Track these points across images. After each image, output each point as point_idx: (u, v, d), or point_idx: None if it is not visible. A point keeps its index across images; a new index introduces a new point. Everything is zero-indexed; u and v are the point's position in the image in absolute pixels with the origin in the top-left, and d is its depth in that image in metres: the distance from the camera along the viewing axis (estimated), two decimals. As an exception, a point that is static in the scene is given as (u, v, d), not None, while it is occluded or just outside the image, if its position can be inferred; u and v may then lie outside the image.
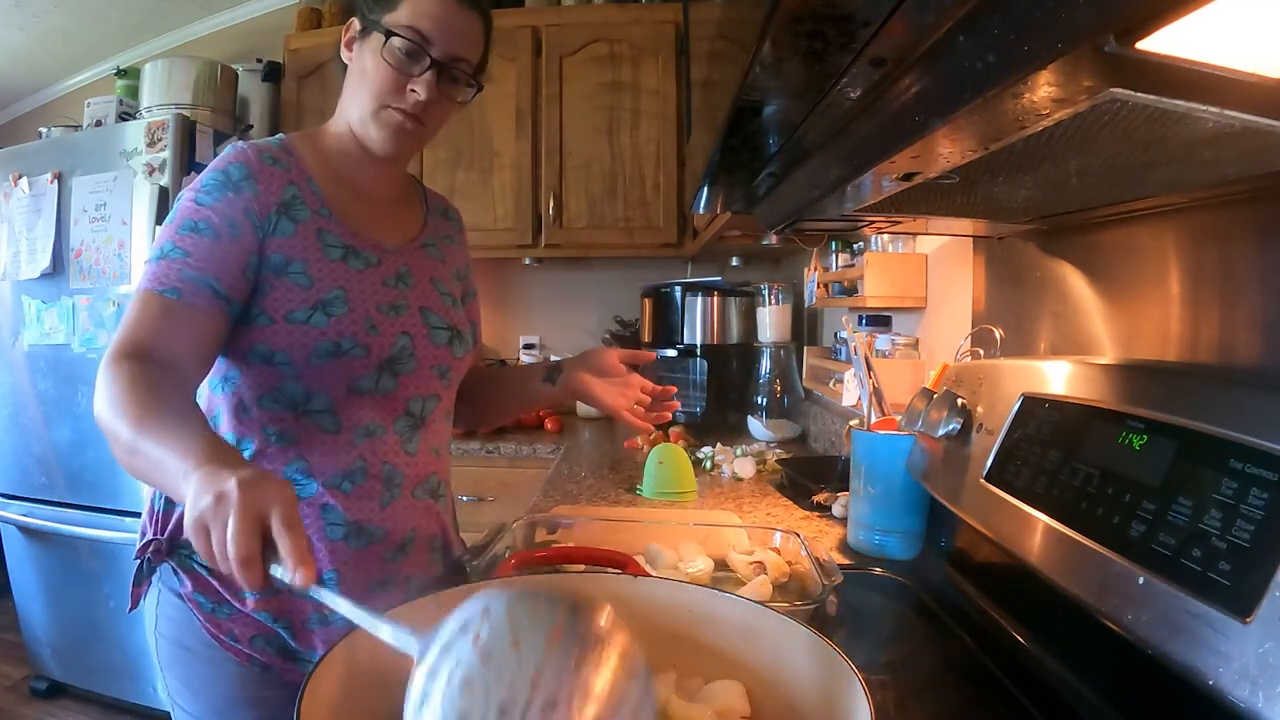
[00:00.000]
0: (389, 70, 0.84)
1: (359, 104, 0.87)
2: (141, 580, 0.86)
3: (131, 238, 2.03)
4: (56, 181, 2.14)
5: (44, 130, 2.58)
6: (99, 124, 2.39)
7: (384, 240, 0.92)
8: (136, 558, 0.85)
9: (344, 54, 0.90)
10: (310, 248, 0.84)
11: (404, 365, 0.88)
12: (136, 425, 0.66)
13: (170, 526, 0.84)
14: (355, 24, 0.88)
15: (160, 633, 0.87)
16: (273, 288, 0.82)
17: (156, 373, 0.72)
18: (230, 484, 0.53)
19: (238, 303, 0.80)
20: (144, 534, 0.87)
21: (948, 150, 0.51)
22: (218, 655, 0.83)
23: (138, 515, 2.23)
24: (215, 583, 0.83)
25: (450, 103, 0.90)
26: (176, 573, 0.84)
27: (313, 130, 0.94)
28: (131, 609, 0.86)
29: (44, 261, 2.13)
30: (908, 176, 0.60)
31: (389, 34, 0.83)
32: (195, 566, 0.84)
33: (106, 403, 0.69)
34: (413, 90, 0.85)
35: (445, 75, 0.87)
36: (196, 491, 0.54)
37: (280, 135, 0.91)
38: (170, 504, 0.85)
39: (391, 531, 0.88)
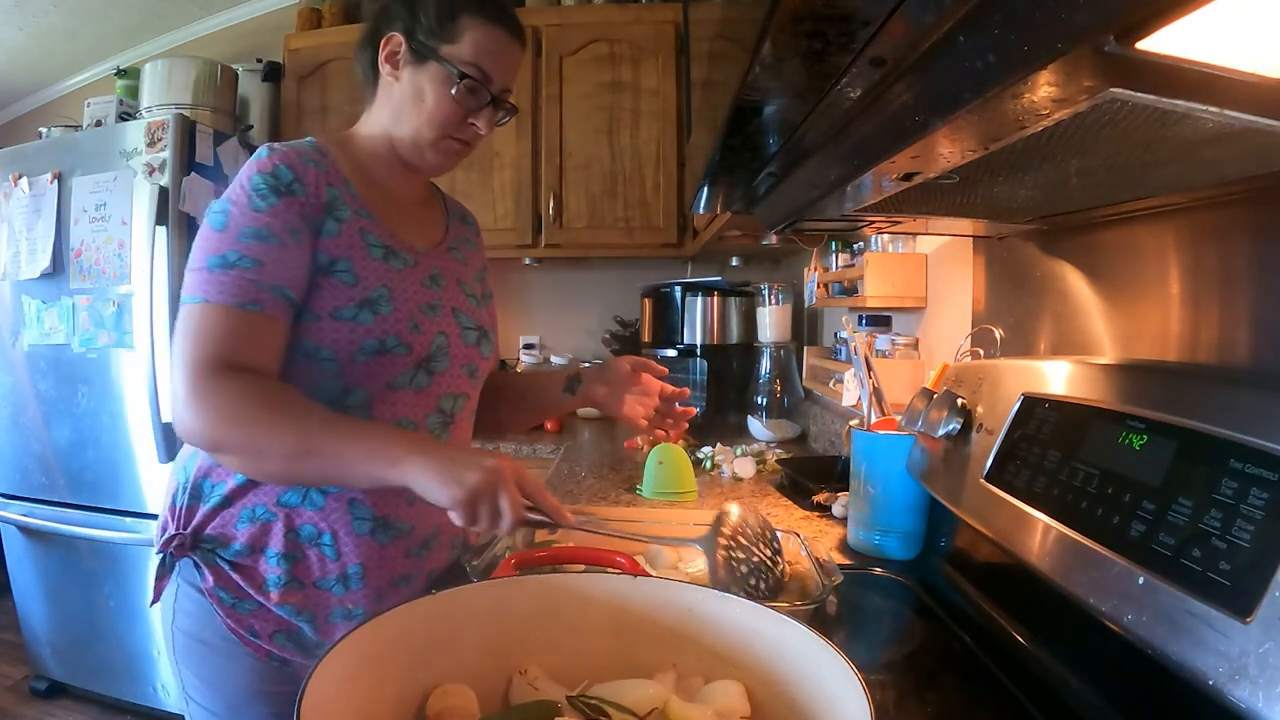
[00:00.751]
0: (454, 106, 0.87)
1: (413, 129, 0.89)
2: (163, 574, 0.87)
3: (131, 238, 2.03)
4: (56, 181, 2.14)
5: (44, 130, 2.58)
6: (99, 124, 2.39)
7: (415, 243, 0.94)
8: (159, 552, 0.86)
9: (384, 69, 0.90)
10: (354, 247, 0.85)
11: (439, 364, 0.90)
12: (299, 428, 0.74)
13: (195, 522, 0.85)
14: (401, 42, 0.88)
15: (178, 627, 0.88)
16: (319, 286, 0.83)
17: (265, 382, 0.77)
18: (492, 464, 0.69)
19: (302, 305, 0.82)
20: (164, 529, 0.87)
21: (948, 150, 0.51)
22: (236, 650, 0.84)
23: (138, 515, 2.24)
24: (237, 578, 0.83)
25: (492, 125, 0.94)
26: (199, 567, 0.84)
27: (340, 135, 0.95)
28: (153, 602, 0.89)
29: (44, 261, 2.13)
30: (908, 176, 0.60)
31: (461, 75, 0.86)
32: (219, 561, 0.84)
33: (231, 418, 0.74)
34: (473, 124, 0.90)
35: (497, 107, 0.92)
36: (451, 474, 0.69)
37: (310, 139, 0.90)
38: (195, 500, 0.86)
39: (417, 527, 0.89)
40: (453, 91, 0.87)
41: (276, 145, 0.86)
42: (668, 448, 1.47)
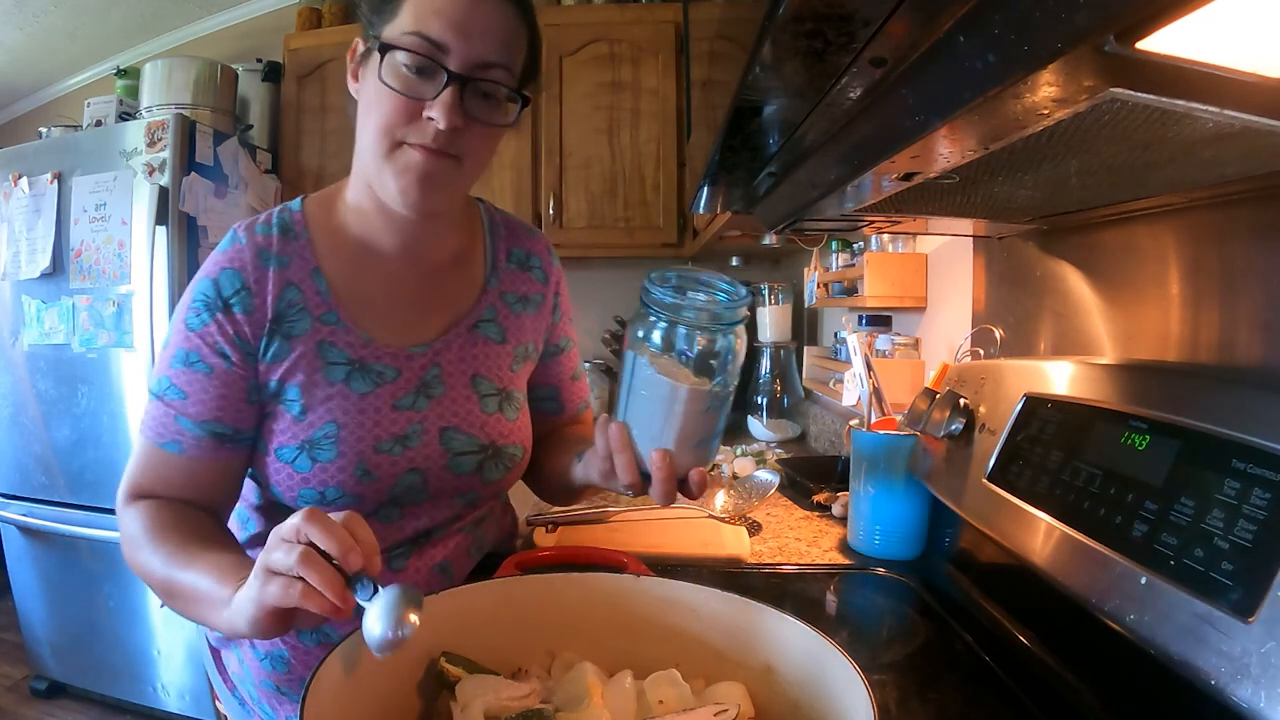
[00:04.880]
0: (395, 96, 0.66)
1: (369, 148, 0.69)
2: None
3: (131, 238, 2.03)
4: (56, 181, 2.14)
5: (44, 130, 2.58)
6: (99, 124, 2.39)
7: (412, 337, 0.77)
8: None
9: (350, 86, 0.73)
10: (308, 368, 0.72)
11: (413, 498, 0.77)
12: (165, 563, 0.63)
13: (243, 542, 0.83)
14: (358, 45, 0.72)
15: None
16: (272, 414, 0.73)
17: (171, 509, 0.70)
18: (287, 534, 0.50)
19: (248, 430, 0.73)
20: None
21: (948, 150, 0.51)
22: (260, 645, 0.81)
23: (138, 515, 2.21)
24: None
25: (488, 128, 0.70)
26: None
27: (332, 190, 0.80)
28: None
29: (44, 261, 2.13)
30: (908, 176, 0.60)
31: (386, 48, 0.65)
32: None
33: (131, 548, 0.68)
34: (429, 117, 0.66)
35: (473, 90, 0.67)
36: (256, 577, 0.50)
37: (298, 202, 0.78)
38: (236, 522, 0.83)
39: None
40: (385, 77, 0.65)
41: (241, 234, 0.73)
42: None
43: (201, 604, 0.59)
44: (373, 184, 0.72)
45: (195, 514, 0.71)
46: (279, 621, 0.50)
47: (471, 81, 0.67)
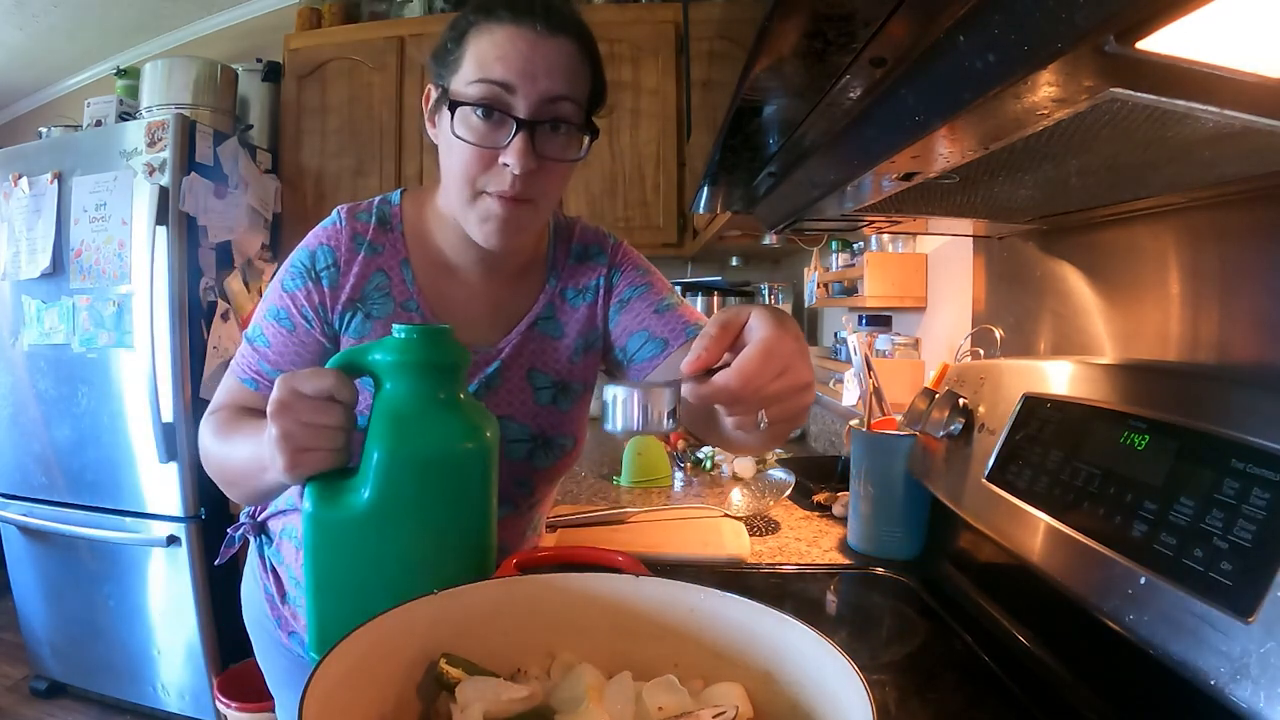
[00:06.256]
0: (470, 148, 0.70)
1: (454, 194, 0.74)
2: (231, 545, 0.94)
3: (131, 238, 2.03)
4: (56, 181, 2.14)
5: (44, 130, 2.58)
6: (99, 124, 2.39)
7: (482, 337, 0.82)
8: (230, 530, 0.94)
9: (429, 131, 0.78)
10: None
11: None
12: (221, 445, 0.73)
13: (265, 514, 0.91)
14: (430, 92, 0.77)
15: (247, 598, 0.96)
16: None
17: (234, 410, 0.79)
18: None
19: None
20: (249, 509, 0.94)
21: (948, 150, 0.51)
22: (273, 638, 0.91)
23: (138, 515, 2.24)
24: (270, 579, 0.90)
25: (559, 165, 0.73)
26: (261, 555, 0.91)
27: (426, 192, 0.85)
28: (218, 562, 0.96)
29: (44, 261, 2.13)
30: (908, 176, 0.60)
31: (454, 105, 0.69)
32: (266, 553, 0.91)
33: (204, 452, 0.76)
34: (504, 163, 0.69)
35: (542, 130, 0.71)
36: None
37: (397, 195, 0.84)
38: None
39: None
40: (458, 131, 0.69)
41: (343, 216, 0.80)
42: (646, 439, 1.55)
43: (252, 473, 0.67)
44: (458, 219, 0.76)
45: (251, 412, 0.78)
46: (300, 454, 0.57)
47: (539, 123, 0.70)
